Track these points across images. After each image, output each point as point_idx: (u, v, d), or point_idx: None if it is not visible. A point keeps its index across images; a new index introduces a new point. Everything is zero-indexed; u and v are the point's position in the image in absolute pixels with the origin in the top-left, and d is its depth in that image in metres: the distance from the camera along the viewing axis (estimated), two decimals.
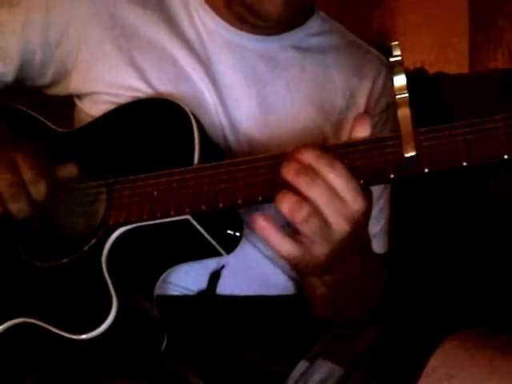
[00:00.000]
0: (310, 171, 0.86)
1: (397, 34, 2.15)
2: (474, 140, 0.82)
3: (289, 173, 0.87)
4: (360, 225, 0.89)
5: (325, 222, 0.87)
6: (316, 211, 0.86)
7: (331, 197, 0.86)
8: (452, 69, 2.01)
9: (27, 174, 1.00)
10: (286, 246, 0.88)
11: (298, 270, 0.94)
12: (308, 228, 0.87)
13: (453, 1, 2.19)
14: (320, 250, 0.89)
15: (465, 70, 2.12)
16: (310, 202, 0.86)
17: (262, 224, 0.88)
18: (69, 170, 1.07)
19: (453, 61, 2.13)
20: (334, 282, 1.00)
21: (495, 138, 0.81)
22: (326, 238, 0.88)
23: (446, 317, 1.13)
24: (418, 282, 1.61)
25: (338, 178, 0.86)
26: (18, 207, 1.01)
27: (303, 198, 0.86)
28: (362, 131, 0.91)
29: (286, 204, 0.86)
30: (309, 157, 0.87)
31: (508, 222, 1.64)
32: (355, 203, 0.87)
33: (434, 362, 1.00)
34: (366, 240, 1.00)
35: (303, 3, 1.21)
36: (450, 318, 1.12)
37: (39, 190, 1.01)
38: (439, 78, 1.86)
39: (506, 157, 0.80)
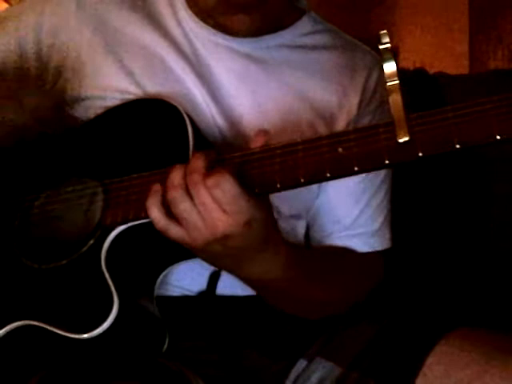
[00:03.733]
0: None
1: (397, 34, 2.16)
2: (466, 122, 0.83)
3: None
4: (243, 233, 0.92)
5: (200, 217, 0.91)
6: (191, 203, 0.92)
7: (208, 201, 0.91)
8: (452, 69, 2.01)
9: None
10: (157, 213, 0.95)
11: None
12: (178, 210, 0.92)
13: (453, 1, 2.20)
14: (193, 236, 0.93)
15: (465, 70, 2.13)
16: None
17: (155, 188, 0.95)
18: None
19: (453, 61, 2.14)
20: (252, 281, 1.04)
21: (487, 120, 0.82)
22: (197, 230, 0.92)
23: (444, 316, 1.13)
24: (416, 281, 1.60)
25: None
26: None
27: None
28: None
29: (168, 180, 0.94)
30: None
31: (508, 221, 1.63)
32: (232, 214, 0.91)
33: (431, 361, 1.00)
34: (273, 248, 1.00)
35: (277, 13, 1.21)
36: (447, 317, 1.12)
37: None
38: (439, 78, 1.86)
39: (498, 137, 0.80)
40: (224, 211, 0.90)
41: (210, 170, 0.91)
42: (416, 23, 2.17)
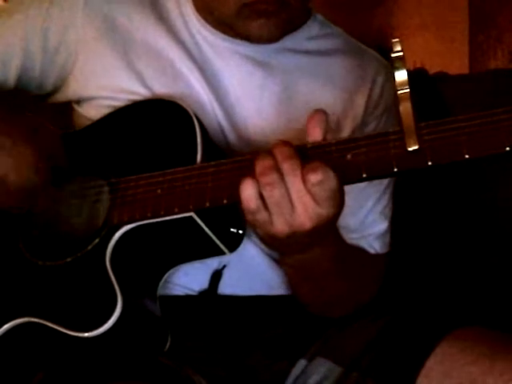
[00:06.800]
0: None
1: (397, 34, 2.16)
2: (476, 133, 0.83)
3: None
4: (325, 225, 0.92)
5: (291, 205, 0.90)
6: (286, 191, 0.90)
7: (304, 192, 0.89)
8: (452, 69, 2.01)
9: None
10: (252, 191, 0.90)
11: (260, 236, 0.97)
12: (270, 195, 0.89)
13: (453, 1, 2.20)
14: (278, 224, 0.91)
15: (465, 70, 2.13)
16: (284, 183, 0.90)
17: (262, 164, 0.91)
18: None
19: (453, 61, 2.14)
20: (296, 265, 1.04)
21: (497, 131, 0.82)
22: (283, 217, 0.90)
23: (445, 316, 1.13)
24: (417, 281, 1.61)
25: (315, 174, 0.88)
26: None
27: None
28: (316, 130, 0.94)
29: (263, 162, 0.90)
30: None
31: (509, 219, 1.64)
32: (326, 208, 0.90)
33: (431, 361, 1.00)
34: (331, 237, 1.02)
35: (295, 17, 1.20)
36: (448, 317, 1.12)
37: None
38: (439, 78, 1.86)
39: (507, 149, 0.81)
40: (318, 204, 0.89)
41: (305, 161, 0.90)
42: (416, 23, 2.17)
